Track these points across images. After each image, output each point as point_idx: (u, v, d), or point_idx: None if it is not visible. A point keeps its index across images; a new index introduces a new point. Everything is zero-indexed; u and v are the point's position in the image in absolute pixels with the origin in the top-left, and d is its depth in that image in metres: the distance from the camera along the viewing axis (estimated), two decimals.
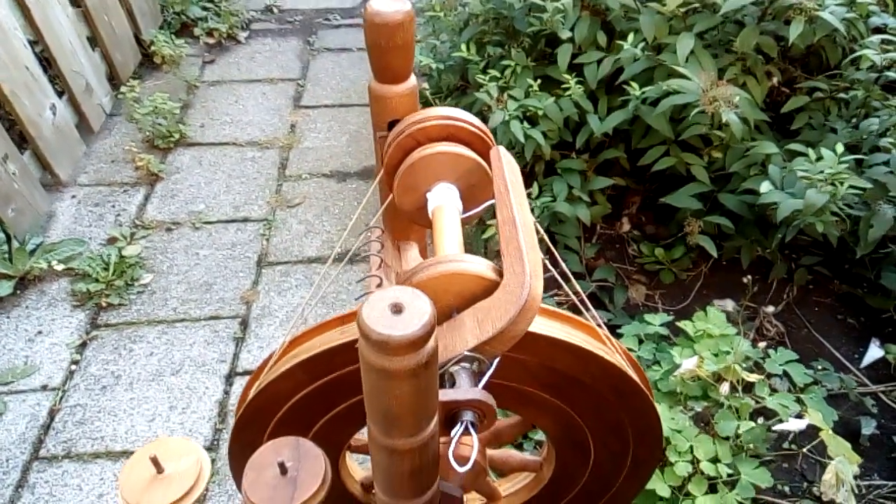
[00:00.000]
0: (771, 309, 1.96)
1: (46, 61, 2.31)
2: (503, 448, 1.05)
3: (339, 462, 0.95)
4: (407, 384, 0.41)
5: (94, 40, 2.55)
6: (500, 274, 0.56)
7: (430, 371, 0.42)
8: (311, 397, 0.84)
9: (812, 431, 1.54)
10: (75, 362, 1.88)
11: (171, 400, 1.79)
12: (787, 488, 1.60)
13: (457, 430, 0.48)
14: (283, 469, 0.76)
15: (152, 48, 2.79)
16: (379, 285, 0.64)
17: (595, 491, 1.02)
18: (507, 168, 0.66)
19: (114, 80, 2.66)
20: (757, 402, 1.35)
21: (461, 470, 0.48)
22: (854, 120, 1.80)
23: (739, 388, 1.38)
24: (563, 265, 0.71)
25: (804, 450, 1.40)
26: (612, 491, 1.03)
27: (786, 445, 1.65)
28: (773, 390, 1.38)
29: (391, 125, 0.69)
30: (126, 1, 2.71)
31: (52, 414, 1.77)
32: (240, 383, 1.84)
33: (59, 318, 1.99)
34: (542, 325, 0.81)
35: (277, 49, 3.02)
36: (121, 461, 1.67)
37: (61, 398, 1.80)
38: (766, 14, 1.82)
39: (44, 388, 1.82)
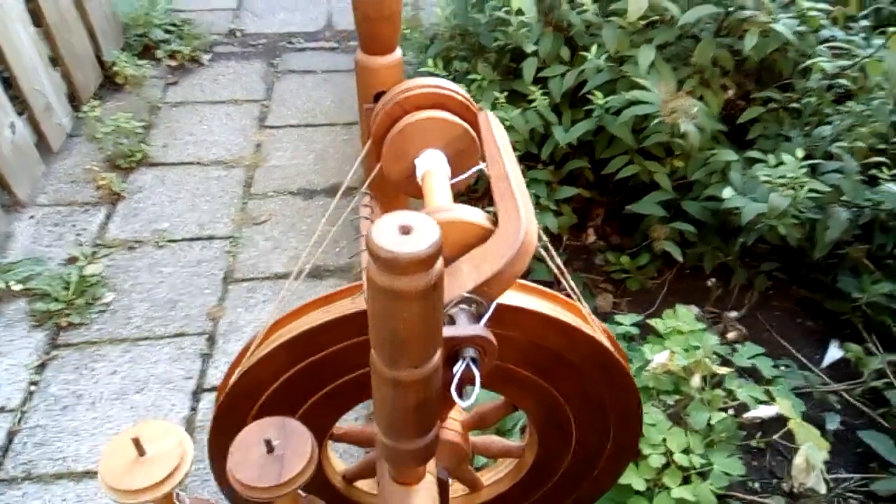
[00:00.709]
0: (734, 314, 2.01)
1: (6, 80, 2.27)
2: (486, 435, 1.04)
3: (321, 451, 0.94)
4: (415, 306, 0.41)
5: (54, 60, 2.52)
6: (495, 223, 0.58)
7: (438, 294, 0.43)
8: (294, 380, 0.83)
9: (779, 427, 1.58)
10: (34, 383, 1.82)
11: (135, 418, 1.74)
12: (756, 484, 1.62)
13: (459, 367, 0.48)
14: (269, 447, 0.75)
15: (114, 69, 2.77)
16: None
17: (577, 474, 1.02)
18: (496, 130, 0.67)
19: (74, 100, 2.63)
20: (727, 394, 1.38)
21: (464, 404, 0.49)
22: (807, 128, 1.88)
23: (709, 383, 1.41)
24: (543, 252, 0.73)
25: (774, 437, 1.42)
26: (593, 475, 1.04)
27: (754, 443, 1.68)
28: (742, 383, 1.41)
29: (377, 97, 0.71)
30: (87, 21, 2.69)
31: (10, 436, 1.70)
32: (207, 399, 1.80)
33: (17, 338, 1.92)
34: (531, 302, 0.83)
35: (241, 71, 3.03)
36: (84, 481, 1.61)
37: (20, 419, 1.73)
38: (722, 28, 1.89)
39: (1, 409, 1.75)
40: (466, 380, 0.49)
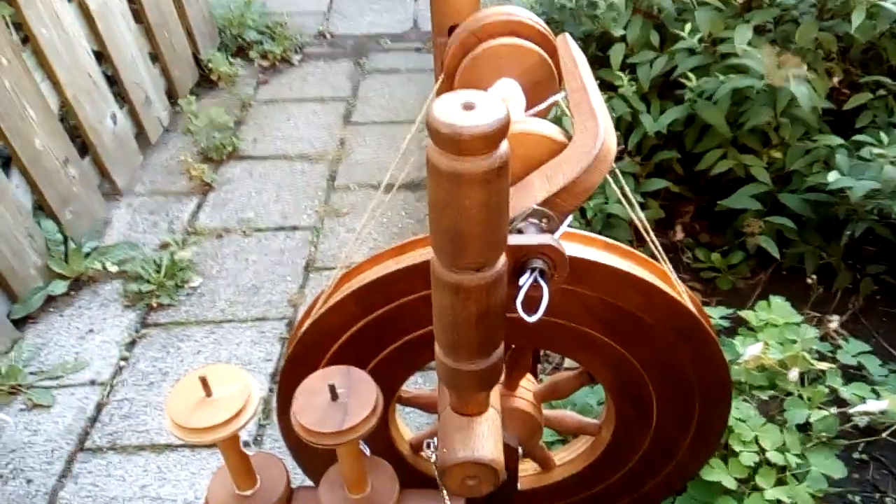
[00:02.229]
0: (837, 318, 1.86)
1: (109, 77, 2.38)
2: (559, 409, 0.99)
3: (388, 412, 0.91)
4: (478, 191, 0.38)
5: (154, 56, 2.64)
6: (569, 138, 0.54)
7: (503, 182, 0.39)
8: (363, 333, 0.81)
9: (884, 443, 1.44)
10: (124, 359, 1.88)
11: None
12: (857, 498, 1.49)
13: (526, 279, 0.44)
14: (333, 394, 0.73)
15: (210, 66, 2.87)
16: None
17: (658, 458, 0.96)
18: (575, 52, 0.63)
19: (172, 95, 2.74)
20: (829, 391, 1.27)
21: (530, 319, 0.45)
22: None
23: (807, 379, 1.30)
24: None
25: (884, 435, 1.29)
26: (674, 460, 0.97)
27: (856, 455, 1.55)
28: (853, 379, 1.29)
29: (451, 31, 0.68)
30: (186, 21, 2.80)
31: (99, 407, 1.76)
32: None
33: (111, 317, 2.00)
34: (605, 257, 0.78)
35: (329, 71, 3.08)
36: (164, 453, 1.65)
37: (109, 392, 1.80)
38: (825, 11, 1.78)
39: (92, 382, 1.82)
40: (534, 298, 0.45)
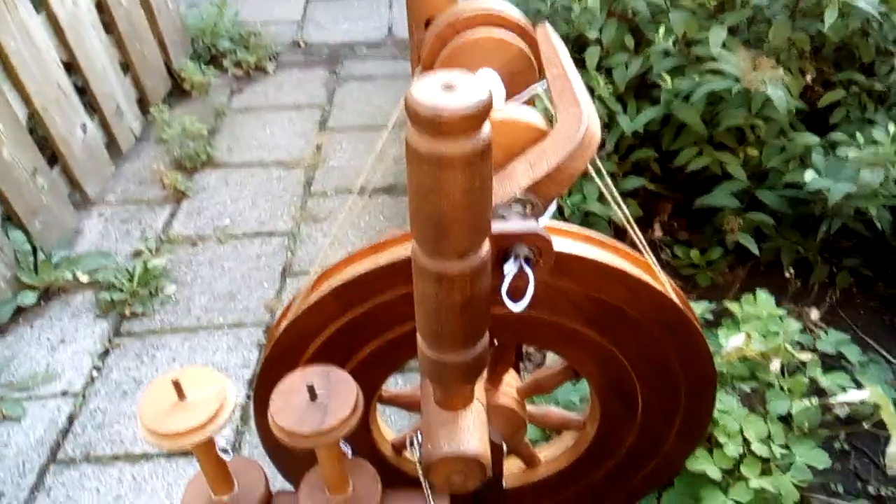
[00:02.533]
0: (816, 311, 1.87)
1: (79, 88, 2.34)
2: (543, 405, 0.98)
3: (369, 413, 0.89)
4: (460, 176, 0.37)
5: (125, 66, 2.60)
6: (552, 126, 0.53)
7: (486, 165, 0.38)
8: (342, 332, 0.79)
9: (865, 433, 1.45)
10: (97, 369, 1.84)
11: None
12: (840, 487, 1.50)
13: (511, 267, 0.43)
14: (312, 394, 0.71)
15: (182, 76, 2.84)
16: None
17: (644, 452, 0.95)
18: (555, 40, 0.63)
19: (144, 105, 2.70)
20: (810, 382, 1.27)
21: (516, 308, 0.43)
22: (894, 110, 1.76)
23: (788, 370, 1.31)
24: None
25: (863, 426, 1.29)
26: (661, 452, 0.96)
27: (837, 445, 1.56)
28: (827, 369, 1.30)
29: (428, 24, 0.67)
30: (157, 31, 2.77)
31: (71, 419, 1.72)
32: None
33: (83, 327, 1.96)
34: (589, 251, 0.77)
35: (304, 79, 3.06)
36: (139, 463, 1.61)
37: (81, 403, 1.75)
38: (797, 11, 1.80)
39: (64, 393, 1.78)
40: (519, 287, 0.44)
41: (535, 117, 0.52)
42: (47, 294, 2.04)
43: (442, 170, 0.37)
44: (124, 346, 1.90)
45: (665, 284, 0.81)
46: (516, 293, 0.46)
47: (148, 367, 1.83)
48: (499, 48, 0.62)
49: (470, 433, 0.58)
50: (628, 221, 0.73)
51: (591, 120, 0.49)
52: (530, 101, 0.62)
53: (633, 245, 0.82)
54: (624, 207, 0.72)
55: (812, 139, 1.70)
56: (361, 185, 2.14)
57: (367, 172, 2.16)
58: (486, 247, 0.43)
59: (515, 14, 0.64)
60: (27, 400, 1.75)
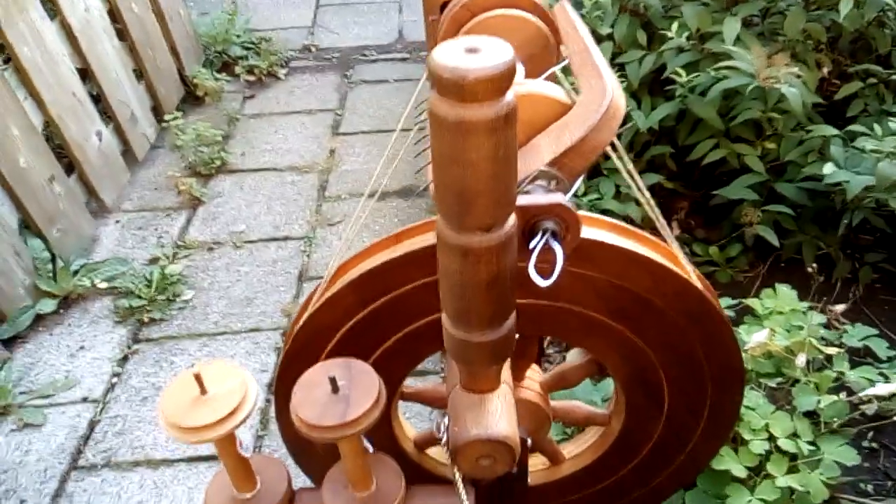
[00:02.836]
0: (840, 307, 1.84)
1: (94, 95, 2.36)
2: (567, 400, 0.97)
3: (390, 409, 0.88)
4: (485, 142, 0.36)
5: (139, 73, 2.61)
6: (574, 101, 0.52)
7: (510, 131, 0.37)
8: (362, 325, 0.79)
9: (894, 429, 1.42)
10: (116, 375, 1.84)
11: None
12: (869, 487, 1.46)
13: (537, 241, 0.42)
14: (334, 386, 0.70)
15: (195, 82, 2.85)
16: None
17: (670, 448, 0.93)
18: (574, 17, 0.62)
19: (158, 112, 2.72)
20: (836, 377, 1.25)
21: (544, 284, 0.42)
22: None
23: (813, 365, 1.28)
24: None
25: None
26: (687, 449, 0.94)
27: (865, 444, 1.53)
28: (853, 364, 1.27)
29: (443, 8, 0.66)
30: (170, 38, 2.79)
31: (91, 425, 1.72)
32: None
33: (102, 333, 1.96)
34: (612, 238, 0.75)
35: (316, 83, 3.07)
36: (160, 469, 1.61)
37: (102, 409, 1.76)
38: (811, 2, 1.78)
39: (84, 400, 1.78)
40: (547, 261, 0.43)
41: (557, 91, 0.51)
42: (66, 301, 2.04)
43: (466, 136, 0.36)
44: (143, 352, 1.90)
45: (690, 273, 0.80)
46: (542, 271, 0.45)
47: (167, 373, 1.83)
48: (516, 27, 0.61)
49: (498, 416, 0.56)
50: (651, 209, 0.72)
51: (615, 91, 0.48)
52: (550, 79, 0.61)
53: (656, 233, 0.81)
54: (647, 193, 0.71)
55: (830, 131, 1.67)
56: (374, 188, 2.14)
57: (377, 175, 2.16)
58: (511, 220, 0.42)
59: None
60: (48, 407, 1.75)
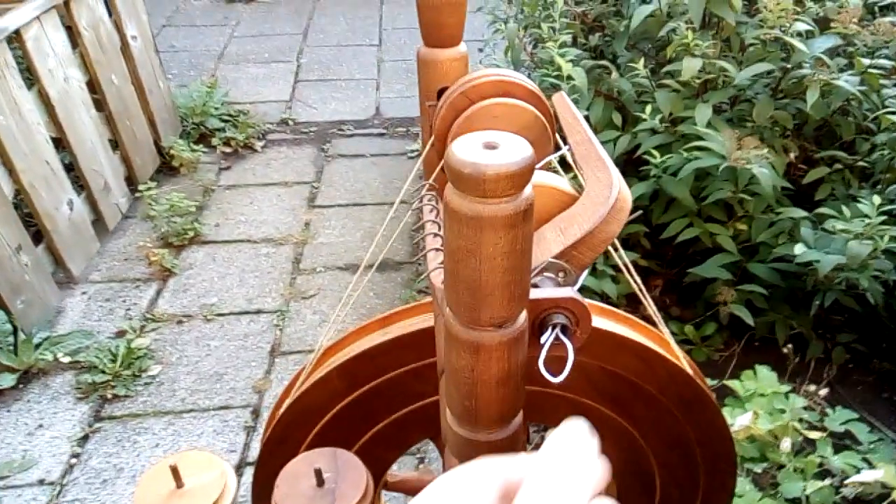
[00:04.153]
0: (824, 392, 1.83)
1: (67, 165, 2.33)
2: None
3: (374, 500, 0.85)
4: (503, 237, 0.35)
5: (115, 143, 2.60)
6: (579, 191, 0.52)
7: (528, 226, 0.36)
8: (349, 410, 0.76)
9: None
10: (76, 455, 1.76)
11: None
12: None
13: (548, 336, 0.41)
14: (319, 479, 0.67)
15: (171, 153, 2.85)
16: (437, 234, 0.58)
17: None
18: (573, 108, 0.62)
19: (132, 183, 2.69)
20: (821, 461, 1.24)
21: (555, 380, 0.41)
22: (878, 187, 1.79)
23: (794, 448, 1.27)
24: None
25: None
26: None
27: None
28: (840, 448, 1.27)
29: (440, 94, 0.67)
30: (148, 109, 2.79)
31: None
32: (251, 474, 1.70)
33: (62, 410, 1.88)
34: (605, 324, 0.75)
35: (293, 156, 3.08)
36: None
37: (59, 493, 1.67)
38: (779, 90, 1.85)
39: (41, 482, 1.69)
40: (552, 355, 0.42)
41: (562, 182, 0.51)
42: (26, 376, 1.97)
43: (483, 232, 0.35)
44: (105, 430, 1.82)
45: (680, 358, 0.79)
46: (548, 365, 0.44)
47: (129, 453, 1.75)
48: (513, 115, 0.62)
49: None
50: (642, 292, 0.72)
51: (621, 185, 0.48)
52: (544, 168, 0.61)
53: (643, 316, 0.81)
54: (637, 277, 0.71)
55: (799, 213, 1.72)
56: (350, 261, 2.13)
57: (371, 250, 2.15)
58: (524, 315, 0.41)
59: (527, 82, 0.64)
60: (2, 490, 1.66)
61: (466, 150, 0.34)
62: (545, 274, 0.45)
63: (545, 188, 0.49)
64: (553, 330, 0.41)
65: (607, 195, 0.47)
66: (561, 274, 0.46)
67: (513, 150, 0.34)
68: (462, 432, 0.44)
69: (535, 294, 0.41)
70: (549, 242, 0.47)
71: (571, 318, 0.43)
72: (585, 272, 0.47)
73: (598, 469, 0.34)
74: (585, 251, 0.46)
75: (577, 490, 0.32)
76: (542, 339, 0.42)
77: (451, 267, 0.38)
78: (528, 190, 0.36)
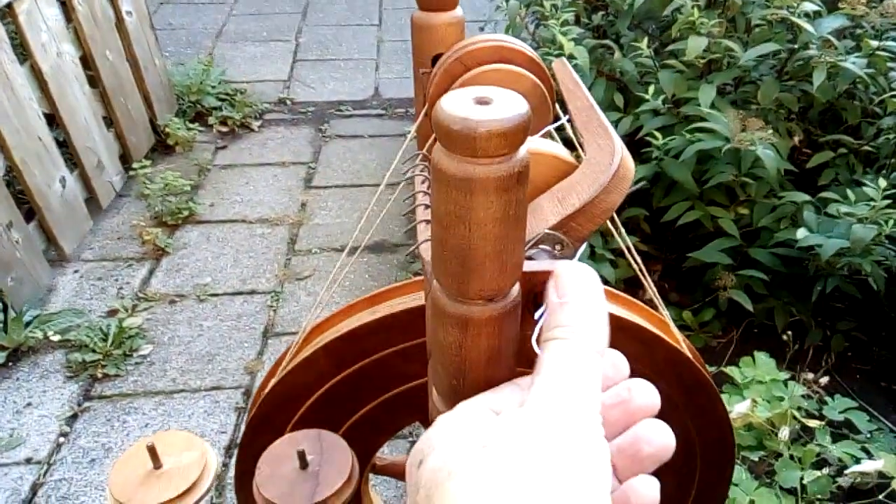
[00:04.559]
0: (824, 380, 1.81)
1: (60, 142, 2.30)
2: None
3: (362, 484, 0.82)
4: (494, 201, 0.32)
5: (109, 121, 2.56)
6: (578, 158, 0.49)
7: (522, 190, 0.33)
8: (335, 391, 0.73)
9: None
10: (64, 434, 1.74)
11: None
12: None
13: (542, 312, 0.38)
14: (303, 461, 0.64)
15: (167, 131, 2.81)
16: (427, 206, 0.55)
17: None
18: (574, 75, 0.59)
19: (126, 161, 2.66)
20: (819, 450, 1.21)
21: None
22: (883, 171, 1.76)
23: (791, 436, 1.25)
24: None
25: (881, 496, 1.24)
26: None
27: None
28: (838, 437, 1.24)
29: (434, 60, 0.64)
30: (143, 87, 2.75)
31: (34, 488, 1.61)
32: None
33: (51, 389, 1.86)
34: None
35: (290, 136, 3.05)
36: None
37: (46, 472, 1.64)
38: (784, 72, 1.82)
39: (28, 461, 1.67)
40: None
41: (559, 149, 0.48)
42: (16, 354, 1.94)
43: (474, 195, 0.32)
44: (94, 410, 1.80)
45: (680, 342, 0.76)
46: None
47: (118, 433, 1.73)
48: (511, 80, 0.58)
49: None
50: (643, 274, 0.69)
51: (623, 151, 0.45)
52: (545, 137, 0.58)
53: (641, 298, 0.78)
54: (639, 260, 0.68)
55: (802, 198, 1.69)
56: (346, 242, 2.10)
57: (356, 233, 2.12)
58: (516, 288, 0.38)
59: (526, 49, 0.60)
60: None
61: (456, 105, 0.31)
62: (541, 246, 0.43)
63: (543, 155, 0.46)
64: (546, 306, 0.38)
65: (609, 163, 0.44)
66: (558, 247, 0.43)
67: (507, 106, 0.31)
68: (447, 409, 0.41)
69: (528, 266, 0.39)
70: (545, 212, 0.44)
71: None
72: (584, 246, 0.45)
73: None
74: (584, 222, 0.43)
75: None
76: (536, 315, 0.39)
77: (438, 234, 0.35)
78: (522, 150, 0.33)
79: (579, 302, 0.36)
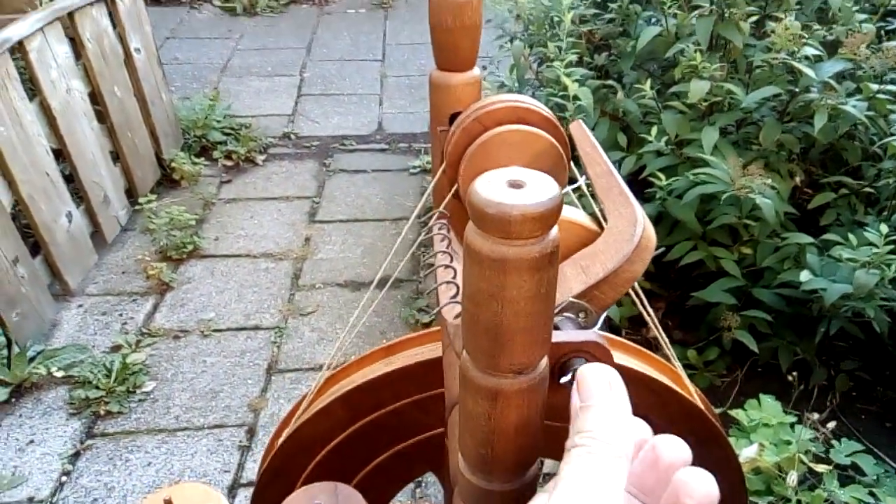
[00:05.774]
0: (831, 425, 1.80)
1: (66, 176, 2.31)
2: None
3: None
4: (527, 280, 0.33)
5: (116, 155, 2.59)
6: (601, 226, 0.50)
7: (553, 269, 0.34)
8: (350, 441, 0.73)
9: None
10: (66, 473, 1.73)
11: None
12: None
13: (569, 380, 0.39)
14: None
15: (172, 165, 2.83)
16: (448, 266, 0.56)
17: None
18: (591, 138, 0.61)
19: (132, 195, 2.67)
20: (827, 495, 1.21)
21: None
22: (884, 213, 1.77)
23: (797, 480, 1.25)
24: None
25: None
26: None
27: None
28: (844, 479, 1.24)
29: (452, 119, 0.65)
30: (150, 122, 2.78)
31: None
32: (244, 495, 1.68)
33: (54, 426, 1.85)
34: (618, 357, 0.73)
35: (294, 170, 3.07)
36: None
37: None
38: (786, 113, 1.84)
39: (30, 500, 1.66)
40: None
41: (582, 216, 0.49)
42: (19, 390, 1.94)
43: (507, 275, 0.33)
44: (97, 447, 1.79)
45: (692, 393, 0.77)
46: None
47: (121, 472, 1.72)
48: (528, 143, 0.59)
49: None
50: (657, 327, 0.70)
51: (645, 222, 0.46)
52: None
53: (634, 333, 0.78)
54: (651, 311, 0.68)
55: (805, 239, 1.70)
56: (377, 280, 2.10)
57: (383, 267, 2.12)
58: (544, 360, 0.39)
59: (543, 109, 0.62)
60: None
61: (490, 188, 0.32)
62: (565, 314, 0.44)
63: (564, 222, 0.47)
64: (574, 374, 0.39)
65: (631, 232, 0.45)
66: (582, 314, 0.44)
67: (540, 190, 0.32)
68: (475, 481, 0.42)
69: (556, 337, 0.39)
70: (569, 281, 0.45)
71: (592, 361, 0.41)
72: (605, 313, 0.46)
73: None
74: (608, 291, 0.44)
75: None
76: (562, 381, 0.40)
77: (470, 310, 0.36)
78: (554, 231, 0.34)
79: (602, 406, 0.37)
